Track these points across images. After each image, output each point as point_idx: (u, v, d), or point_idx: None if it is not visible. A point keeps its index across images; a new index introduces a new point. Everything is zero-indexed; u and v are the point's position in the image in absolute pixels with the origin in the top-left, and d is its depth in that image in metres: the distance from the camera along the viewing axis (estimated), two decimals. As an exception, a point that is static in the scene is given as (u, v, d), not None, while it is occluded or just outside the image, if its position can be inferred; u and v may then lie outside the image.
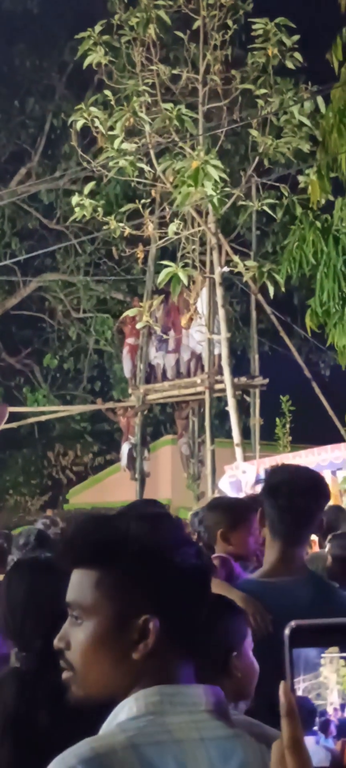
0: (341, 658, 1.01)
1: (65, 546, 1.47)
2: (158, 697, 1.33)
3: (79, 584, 1.40)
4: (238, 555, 3.50)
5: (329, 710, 1.00)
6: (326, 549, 4.66)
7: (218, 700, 1.38)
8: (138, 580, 1.36)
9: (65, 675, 1.42)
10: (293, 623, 1.02)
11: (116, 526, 1.41)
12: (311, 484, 2.85)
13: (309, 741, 0.99)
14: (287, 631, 1.01)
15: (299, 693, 1.00)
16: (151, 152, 10.53)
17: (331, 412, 12.91)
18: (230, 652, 2.16)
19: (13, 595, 2.26)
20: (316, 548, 5.50)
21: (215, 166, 9.27)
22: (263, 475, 9.47)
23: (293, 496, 2.76)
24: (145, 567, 1.36)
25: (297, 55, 10.06)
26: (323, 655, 1.00)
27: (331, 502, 7.21)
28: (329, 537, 4.71)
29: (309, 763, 0.97)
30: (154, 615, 1.35)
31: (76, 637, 1.39)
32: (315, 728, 1.00)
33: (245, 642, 2.23)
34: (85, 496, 19.17)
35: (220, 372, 12.02)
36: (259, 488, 9.15)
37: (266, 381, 13.44)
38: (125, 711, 1.33)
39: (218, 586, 3.03)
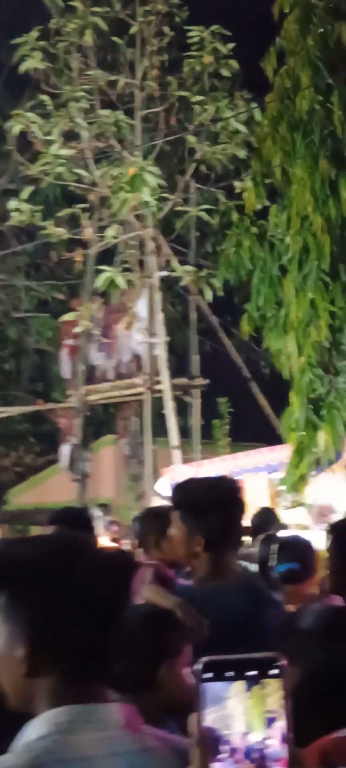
0: (247, 690, 1.10)
1: None
2: (67, 716, 1.36)
3: None
4: (170, 562, 3.54)
5: (235, 738, 1.09)
6: (255, 549, 4.77)
7: (131, 716, 1.42)
8: (20, 602, 1.42)
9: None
10: (204, 659, 1.12)
11: (11, 550, 1.49)
12: (228, 495, 2.92)
13: (218, 767, 1.09)
14: (199, 666, 1.11)
15: (209, 724, 1.10)
16: (89, 158, 10.53)
17: (269, 412, 13.11)
18: (157, 666, 2.17)
19: None
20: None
21: (151, 173, 9.33)
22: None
23: (212, 511, 2.81)
24: (26, 590, 1.42)
25: (232, 62, 10.19)
26: (229, 688, 1.10)
27: (264, 504, 7.40)
28: (258, 538, 4.82)
29: None
30: (29, 637, 1.40)
31: None
32: (223, 755, 1.09)
33: (179, 658, 2.23)
34: (26, 497, 19.03)
35: (160, 373, 12.11)
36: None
37: (206, 382, 13.57)
38: (34, 730, 1.37)
39: (153, 593, 3.09)
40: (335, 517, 7.59)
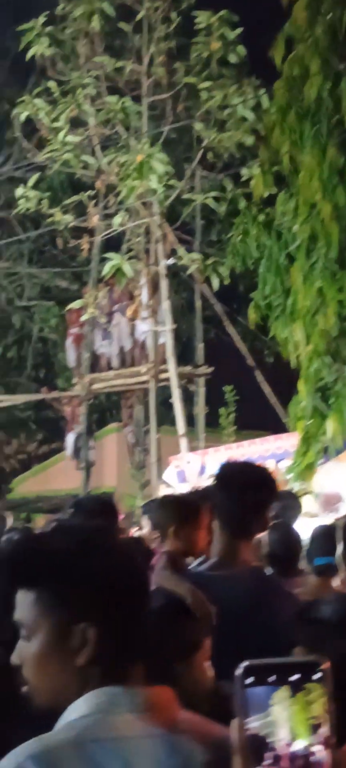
0: (291, 696, 1.08)
1: (6, 570, 1.56)
2: (105, 697, 1.41)
3: (22, 604, 1.50)
4: (187, 552, 3.57)
5: (280, 745, 1.07)
6: (266, 536, 4.76)
7: (165, 699, 1.46)
8: (69, 593, 1.46)
9: (24, 689, 1.51)
10: (245, 663, 1.09)
11: (43, 545, 1.52)
12: (262, 479, 2.97)
13: None
14: (239, 671, 1.08)
15: (253, 731, 1.08)
16: (96, 144, 10.49)
17: (274, 401, 13.10)
18: (175, 658, 2.17)
19: None
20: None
21: (159, 160, 9.30)
22: (207, 465, 9.60)
23: (244, 489, 2.86)
24: (74, 581, 1.46)
25: (240, 48, 10.13)
26: (273, 695, 1.07)
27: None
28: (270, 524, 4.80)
29: None
30: (91, 623, 1.44)
31: (26, 654, 1.49)
32: (267, 763, 1.07)
33: (198, 652, 2.24)
34: (30, 485, 19.05)
35: (165, 361, 12.09)
36: (204, 479, 9.27)
37: (211, 370, 13.56)
38: (75, 711, 1.41)
39: (165, 579, 3.11)
40: (343, 506, 7.60)
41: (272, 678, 1.08)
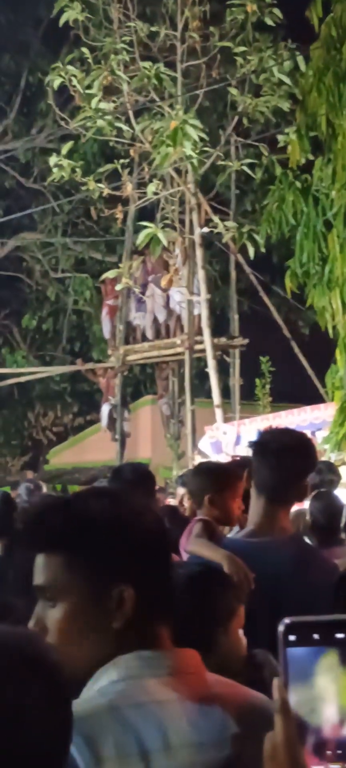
0: (341, 665, 0.90)
1: (28, 535, 1.52)
2: (137, 661, 1.38)
3: (48, 568, 1.43)
4: (222, 520, 3.53)
5: (325, 728, 0.88)
6: (307, 506, 4.70)
7: (196, 662, 1.44)
8: (106, 555, 1.41)
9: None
10: (287, 620, 0.95)
11: (75, 508, 1.46)
12: (300, 445, 2.90)
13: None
14: (281, 628, 0.95)
15: (293, 707, 0.92)
16: (130, 111, 10.39)
17: (310, 372, 12.96)
18: (215, 628, 2.14)
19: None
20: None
21: (193, 126, 9.18)
22: (243, 436, 9.53)
23: (282, 454, 2.80)
24: (110, 542, 1.41)
25: (276, 11, 9.94)
26: (317, 662, 0.91)
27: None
28: (311, 495, 4.75)
29: (303, 763, 0.93)
30: (128, 584, 1.40)
31: (52, 619, 1.42)
32: (309, 748, 0.90)
33: (234, 619, 2.20)
34: (66, 457, 19.19)
35: (200, 332, 12.01)
36: (240, 449, 9.21)
37: (246, 341, 13.45)
38: (105, 676, 1.37)
39: (200, 545, 3.06)
40: None
41: (317, 637, 0.93)
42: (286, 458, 2.80)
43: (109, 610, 1.40)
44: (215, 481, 3.55)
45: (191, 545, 3.21)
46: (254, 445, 2.97)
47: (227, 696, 1.42)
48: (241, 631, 2.22)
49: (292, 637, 0.94)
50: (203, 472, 3.74)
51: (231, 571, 2.59)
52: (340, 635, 0.92)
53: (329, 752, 0.88)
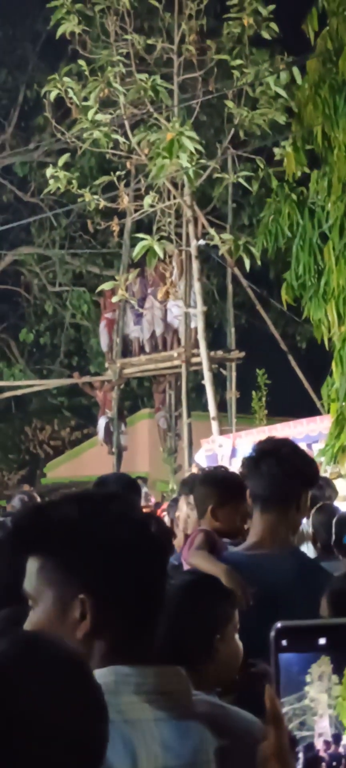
0: (334, 673, 0.84)
1: (12, 536, 1.54)
2: (113, 677, 1.33)
3: (28, 572, 1.44)
4: (224, 531, 3.42)
5: (318, 743, 0.82)
6: (309, 520, 4.71)
7: (176, 681, 1.37)
8: (72, 562, 1.39)
9: None
10: (278, 624, 0.90)
11: (49, 512, 1.45)
12: (292, 454, 2.87)
13: None
14: (272, 633, 0.90)
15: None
16: (126, 123, 10.42)
17: (307, 385, 12.95)
18: (213, 635, 2.11)
19: None
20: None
21: (190, 138, 9.20)
22: (239, 449, 9.50)
23: (271, 461, 2.77)
24: (76, 549, 1.38)
25: (273, 25, 9.98)
26: (309, 671, 0.86)
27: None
28: (313, 509, 4.74)
29: None
30: (90, 594, 1.36)
31: (29, 622, 1.43)
32: (300, 763, 0.84)
33: (230, 625, 2.18)
34: (63, 471, 19.13)
35: (196, 345, 12.01)
36: (235, 462, 9.18)
37: (243, 354, 13.45)
38: None
39: (200, 558, 3.03)
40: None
41: (310, 642, 0.87)
42: (276, 466, 2.76)
43: (73, 621, 1.37)
44: (220, 492, 3.46)
45: (192, 558, 3.15)
46: (248, 458, 2.93)
47: (210, 717, 1.36)
48: (237, 636, 2.20)
49: (284, 642, 0.89)
50: (208, 482, 3.64)
51: (230, 585, 2.57)
52: (331, 641, 0.87)
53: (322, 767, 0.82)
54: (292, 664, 0.85)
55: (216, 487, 3.52)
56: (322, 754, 0.81)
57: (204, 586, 2.20)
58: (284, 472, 2.77)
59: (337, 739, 0.81)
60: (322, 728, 0.81)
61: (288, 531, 2.84)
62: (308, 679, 0.83)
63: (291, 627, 0.88)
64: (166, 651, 1.41)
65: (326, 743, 0.81)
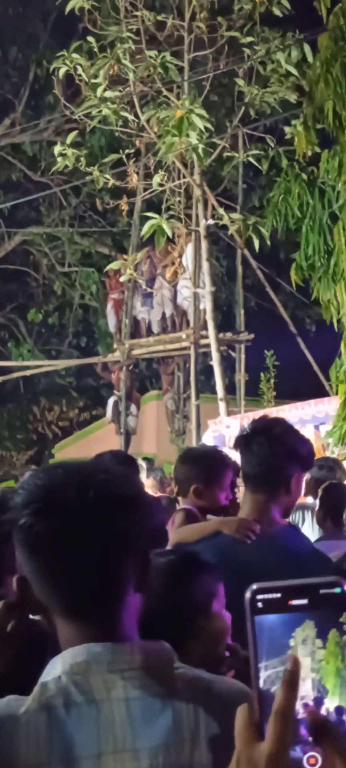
0: (318, 637, 0.81)
1: None
2: (84, 656, 1.28)
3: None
4: (208, 509, 3.34)
5: (299, 707, 0.79)
6: (318, 498, 4.71)
7: (155, 656, 1.32)
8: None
9: None
10: (254, 586, 0.84)
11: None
12: (283, 433, 2.73)
13: None
14: (247, 595, 0.84)
15: (261, 684, 0.82)
16: (136, 101, 10.33)
17: (316, 367, 12.90)
18: (196, 615, 2.03)
19: None
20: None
21: (199, 116, 9.12)
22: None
23: (260, 440, 2.68)
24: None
25: (284, 1, 9.88)
26: (293, 634, 0.82)
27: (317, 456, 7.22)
28: (322, 487, 4.73)
29: (287, 746, 0.80)
30: (39, 579, 1.32)
31: None
32: None
33: (215, 600, 2.09)
34: (71, 451, 19.13)
35: (205, 327, 11.95)
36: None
37: (252, 336, 13.40)
38: (52, 670, 1.30)
39: (184, 532, 2.97)
40: None
41: (292, 606, 0.82)
42: (267, 444, 2.66)
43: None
44: (202, 470, 3.37)
45: (175, 536, 3.01)
46: (239, 437, 2.84)
47: (193, 691, 1.30)
48: (223, 611, 2.11)
49: (260, 604, 0.83)
50: (190, 460, 3.53)
51: (230, 530, 2.50)
52: (313, 603, 0.82)
53: (303, 734, 0.80)
54: (275, 627, 0.81)
55: (197, 465, 3.43)
56: (302, 716, 0.79)
57: (183, 564, 2.09)
58: (275, 451, 2.65)
59: (318, 702, 0.79)
60: (304, 691, 0.80)
61: (278, 512, 2.72)
62: (291, 642, 0.81)
63: (266, 588, 0.83)
64: (148, 635, 1.35)
65: (306, 705, 0.79)
